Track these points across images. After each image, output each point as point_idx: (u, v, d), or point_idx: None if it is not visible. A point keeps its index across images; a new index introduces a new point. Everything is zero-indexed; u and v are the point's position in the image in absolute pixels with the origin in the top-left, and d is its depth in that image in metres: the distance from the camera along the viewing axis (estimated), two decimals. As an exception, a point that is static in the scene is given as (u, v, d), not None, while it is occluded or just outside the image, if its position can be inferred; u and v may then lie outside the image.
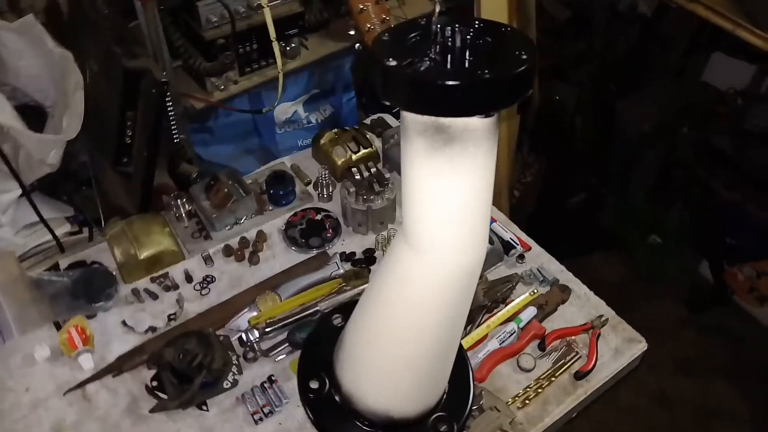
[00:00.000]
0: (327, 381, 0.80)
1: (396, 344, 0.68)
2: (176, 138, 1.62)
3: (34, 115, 1.57)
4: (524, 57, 0.58)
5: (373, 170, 1.39)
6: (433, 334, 0.67)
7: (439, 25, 0.59)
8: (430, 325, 0.66)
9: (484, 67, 0.57)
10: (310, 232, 1.42)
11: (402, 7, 1.87)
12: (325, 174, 1.48)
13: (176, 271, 1.37)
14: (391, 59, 0.59)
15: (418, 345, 0.68)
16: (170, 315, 1.29)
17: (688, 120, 2.34)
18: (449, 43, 0.60)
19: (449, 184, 0.64)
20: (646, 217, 2.54)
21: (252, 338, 1.20)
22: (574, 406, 1.14)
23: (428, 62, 0.59)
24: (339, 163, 1.51)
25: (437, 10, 0.59)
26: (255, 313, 1.26)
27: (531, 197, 2.61)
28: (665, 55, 2.45)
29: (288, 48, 1.70)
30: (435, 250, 0.61)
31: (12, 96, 1.54)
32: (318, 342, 0.84)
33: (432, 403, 0.79)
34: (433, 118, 0.59)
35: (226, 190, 1.42)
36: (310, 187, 1.55)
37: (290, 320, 1.23)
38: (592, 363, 1.16)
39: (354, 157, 1.51)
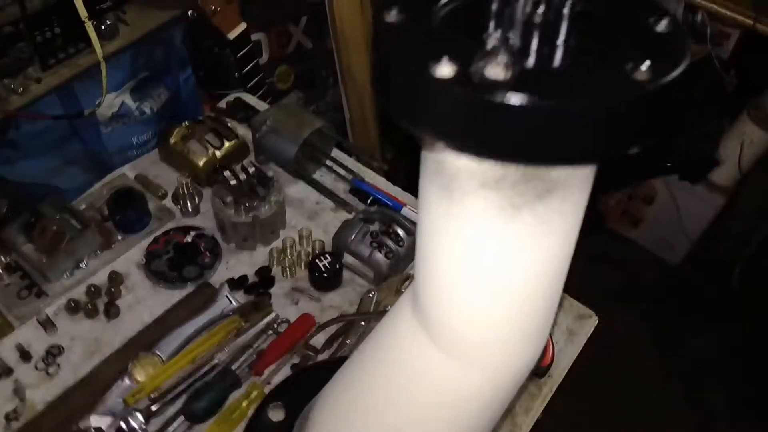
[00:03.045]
0: None
1: None
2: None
3: None
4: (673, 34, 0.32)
5: (251, 170, 1.10)
6: None
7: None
8: None
9: (627, 66, 0.30)
10: (181, 260, 1.11)
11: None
12: (186, 182, 1.16)
13: (5, 349, 1.01)
14: (441, 64, 0.30)
15: None
16: (9, 414, 0.94)
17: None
18: (544, 18, 0.31)
19: (532, 257, 0.38)
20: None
21: (135, 425, 0.89)
22: (543, 408, 0.99)
23: (512, 64, 0.30)
24: (201, 164, 1.20)
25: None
26: (129, 384, 0.95)
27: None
28: None
29: (102, 27, 1.31)
30: (481, 352, 0.37)
31: None
32: None
33: None
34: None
35: (54, 227, 1.05)
36: (167, 201, 1.22)
37: (182, 387, 0.94)
38: (550, 355, 1.01)
39: (218, 153, 1.21)
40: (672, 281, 2.39)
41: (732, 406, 2.08)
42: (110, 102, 1.56)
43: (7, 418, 0.93)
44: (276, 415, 0.60)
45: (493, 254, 0.34)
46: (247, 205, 1.09)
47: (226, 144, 1.22)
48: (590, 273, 2.42)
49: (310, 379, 0.56)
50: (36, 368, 0.99)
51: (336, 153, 1.32)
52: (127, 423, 0.89)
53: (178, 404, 0.94)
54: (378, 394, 0.43)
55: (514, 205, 0.33)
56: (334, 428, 0.48)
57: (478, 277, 0.34)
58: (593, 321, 1.09)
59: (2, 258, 1.06)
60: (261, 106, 1.43)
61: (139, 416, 0.90)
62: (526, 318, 0.36)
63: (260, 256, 1.15)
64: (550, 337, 1.03)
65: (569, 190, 0.35)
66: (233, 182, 1.08)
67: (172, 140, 1.23)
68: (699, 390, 2.12)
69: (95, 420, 0.92)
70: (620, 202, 2.46)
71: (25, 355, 0.99)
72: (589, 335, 1.07)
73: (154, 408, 0.91)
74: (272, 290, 1.10)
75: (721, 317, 2.29)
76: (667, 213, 2.30)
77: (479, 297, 0.34)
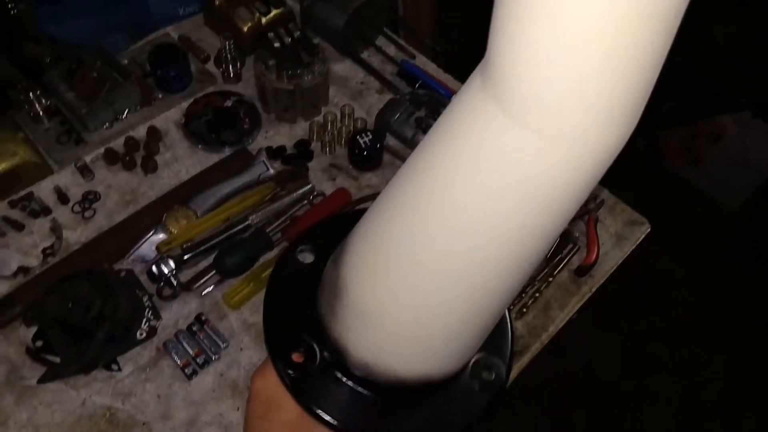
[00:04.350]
0: (317, 349, 0.53)
1: (459, 271, 0.41)
2: (12, 9, 1.19)
3: None
4: None
5: (296, 34, 1.06)
6: (522, 252, 0.40)
7: None
8: (523, 239, 0.39)
9: None
10: (219, 124, 1.09)
11: None
12: (229, 45, 1.13)
13: (43, 190, 1.02)
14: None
15: (497, 268, 0.41)
16: (46, 249, 0.95)
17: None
18: None
19: None
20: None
21: (166, 270, 0.91)
22: (579, 306, 0.97)
23: None
24: (245, 29, 1.16)
25: None
26: (163, 236, 0.96)
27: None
28: None
29: None
30: (562, 119, 0.32)
31: None
32: (283, 291, 0.57)
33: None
34: None
35: (95, 74, 1.04)
36: (210, 65, 1.19)
37: (214, 242, 0.94)
38: (595, 254, 0.99)
39: (264, 20, 1.17)
40: (726, 225, 2.29)
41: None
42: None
43: (44, 253, 0.95)
44: (305, 257, 0.58)
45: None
46: (290, 72, 1.05)
47: (273, 11, 1.17)
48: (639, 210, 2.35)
49: (342, 224, 0.53)
50: (72, 211, 1.00)
51: (387, 33, 1.27)
52: (159, 267, 0.90)
53: (210, 259, 0.95)
54: (437, 187, 0.39)
55: None
56: (380, 245, 0.46)
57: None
58: (645, 228, 1.05)
59: (43, 101, 1.05)
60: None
61: (171, 262, 0.91)
62: (619, 77, 0.31)
63: (300, 130, 1.13)
64: (597, 237, 1.00)
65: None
66: (276, 44, 1.04)
67: (216, 2, 1.19)
68: (736, 338, 2.06)
69: (128, 262, 0.94)
70: (683, 139, 2.33)
71: (62, 198, 1.00)
72: (638, 242, 1.04)
73: (186, 257, 0.91)
74: (310, 164, 1.08)
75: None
76: (733, 153, 2.18)
77: (562, 45, 0.30)
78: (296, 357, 0.51)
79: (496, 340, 0.59)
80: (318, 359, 0.51)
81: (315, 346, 0.51)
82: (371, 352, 0.48)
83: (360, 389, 0.53)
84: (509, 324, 0.61)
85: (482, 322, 0.47)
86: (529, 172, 0.34)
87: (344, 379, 0.52)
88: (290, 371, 0.51)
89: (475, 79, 0.35)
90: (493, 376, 0.57)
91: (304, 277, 0.57)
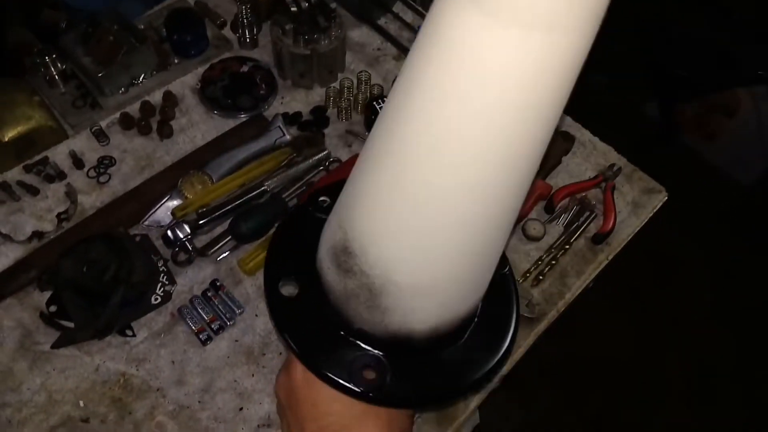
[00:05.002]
0: (312, 287, 0.52)
1: (462, 181, 0.39)
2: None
3: None
4: None
5: (313, -1, 1.04)
6: (516, 153, 0.38)
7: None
8: (515, 137, 0.37)
9: None
10: (236, 89, 1.07)
11: None
12: (246, 10, 1.10)
13: (59, 155, 1.01)
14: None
15: (495, 179, 0.39)
16: (60, 214, 0.95)
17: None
18: None
19: None
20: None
21: (181, 235, 0.89)
22: (596, 274, 0.95)
23: None
24: (263, -7, 1.13)
25: None
26: (178, 201, 0.95)
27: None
28: None
29: None
30: (535, 10, 0.31)
31: None
32: (294, 237, 0.56)
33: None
34: None
35: (111, 37, 1.02)
36: (226, 30, 1.17)
37: (229, 207, 0.93)
38: (611, 222, 0.96)
39: (282, -16, 1.14)
40: (740, 202, 2.25)
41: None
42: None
43: (59, 217, 0.94)
44: (323, 207, 0.57)
45: None
46: (306, 36, 1.03)
47: (291, -25, 1.15)
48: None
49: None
50: (88, 176, 0.99)
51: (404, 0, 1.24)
52: (174, 232, 0.89)
53: (225, 225, 0.93)
54: (428, 97, 0.38)
55: None
56: (379, 176, 0.44)
57: None
58: (662, 197, 1.02)
59: (59, 65, 1.04)
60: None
61: (186, 227, 0.89)
62: None
63: (316, 96, 1.11)
64: (614, 205, 0.98)
65: None
66: (293, 9, 1.02)
67: (235, -34, 1.16)
68: (746, 319, 2.02)
69: (143, 227, 0.93)
70: (698, 114, 2.28)
71: (77, 163, 0.99)
72: (655, 210, 1.01)
73: (201, 221, 0.90)
74: (326, 131, 1.06)
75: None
76: (749, 128, 2.13)
77: None
78: (286, 290, 0.51)
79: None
80: (312, 295, 0.51)
81: (306, 283, 0.51)
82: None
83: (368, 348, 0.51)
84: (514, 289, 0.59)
85: (485, 238, 0.45)
86: (509, 64, 0.34)
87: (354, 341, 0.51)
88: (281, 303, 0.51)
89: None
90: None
91: (317, 225, 0.55)
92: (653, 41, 2.13)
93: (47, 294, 0.87)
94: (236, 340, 0.87)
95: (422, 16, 1.21)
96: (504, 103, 0.36)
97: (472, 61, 0.35)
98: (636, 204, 1.01)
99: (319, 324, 0.52)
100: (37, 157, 0.99)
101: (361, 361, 0.50)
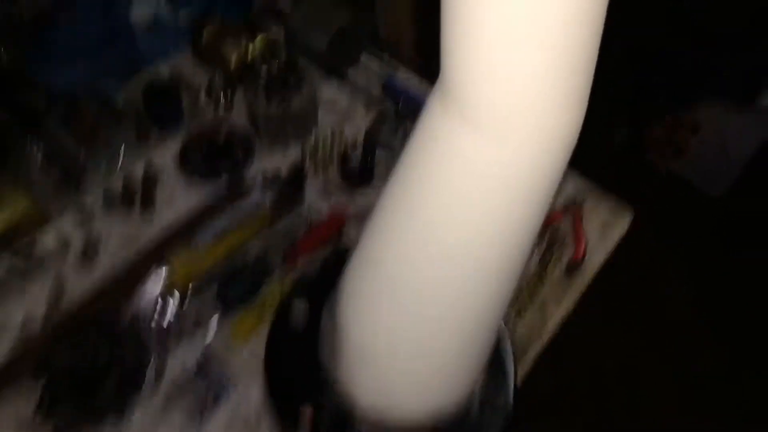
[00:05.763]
0: (327, 403, 0.52)
1: (453, 278, 0.39)
2: (3, 56, 1.20)
3: None
4: None
5: (282, 58, 1.06)
6: (508, 247, 0.39)
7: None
8: (497, 245, 0.38)
9: None
10: (214, 155, 1.10)
11: None
12: (219, 77, 1.13)
13: (44, 239, 1.02)
14: None
15: (488, 267, 0.40)
16: (50, 299, 0.96)
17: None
18: None
19: None
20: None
21: (171, 310, 0.90)
22: (575, 301, 0.96)
23: None
24: (233, 59, 1.16)
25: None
26: (166, 276, 0.96)
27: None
28: None
29: None
30: (516, 117, 0.32)
31: None
32: (282, 357, 0.55)
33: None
34: None
35: (92, 116, 1.05)
36: (201, 97, 1.20)
37: (216, 275, 0.94)
38: (582, 251, 0.97)
39: (251, 47, 1.17)
40: (713, 213, 2.26)
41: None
42: (143, 11, 1.52)
43: (49, 303, 0.95)
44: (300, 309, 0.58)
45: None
46: (278, 97, 1.05)
47: (259, 36, 1.17)
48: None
49: (333, 268, 0.53)
50: (74, 257, 1.00)
51: (369, 51, 1.27)
52: (163, 308, 0.90)
53: (214, 292, 0.94)
54: (415, 200, 0.39)
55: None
56: (373, 272, 0.45)
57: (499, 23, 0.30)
58: (628, 215, 1.04)
59: (41, 148, 1.06)
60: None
61: (175, 303, 0.90)
62: (562, 74, 0.31)
63: (293, 152, 1.13)
64: (583, 232, 0.99)
65: None
66: (265, 66, 1.04)
67: (204, 36, 1.19)
68: (731, 327, 2.02)
69: (132, 305, 0.94)
70: (664, 132, 2.31)
71: (64, 245, 1.01)
72: (625, 230, 1.03)
73: (190, 295, 0.91)
74: (305, 185, 1.08)
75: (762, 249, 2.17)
76: (713, 142, 2.16)
77: (509, 52, 0.30)
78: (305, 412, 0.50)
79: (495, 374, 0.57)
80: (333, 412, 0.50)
81: (319, 399, 0.51)
82: (379, 394, 0.47)
83: None
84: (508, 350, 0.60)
85: (482, 327, 0.46)
86: (494, 169, 0.35)
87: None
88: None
89: (433, 102, 0.35)
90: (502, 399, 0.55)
91: (300, 340, 0.56)
92: (624, 63, 2.16)
93: (41, 383, 0.88)
94: (233, 411, 0.87)
95: (385, 63, 1.23)
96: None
97: None
98: (605, 225, 1.03)
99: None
100: (24, 242, 1.01)
101: None
